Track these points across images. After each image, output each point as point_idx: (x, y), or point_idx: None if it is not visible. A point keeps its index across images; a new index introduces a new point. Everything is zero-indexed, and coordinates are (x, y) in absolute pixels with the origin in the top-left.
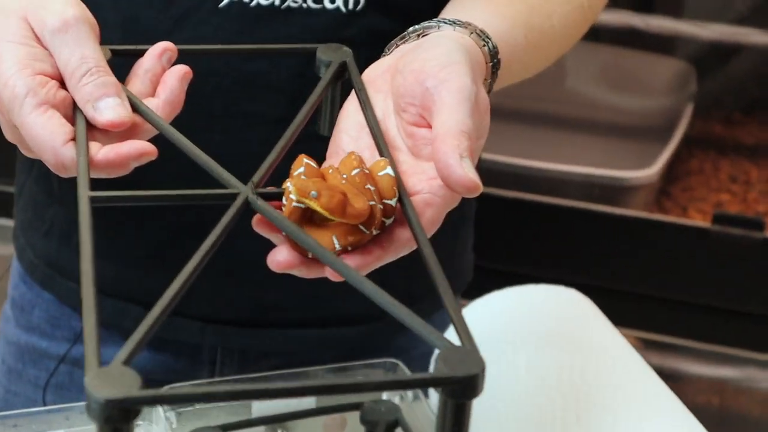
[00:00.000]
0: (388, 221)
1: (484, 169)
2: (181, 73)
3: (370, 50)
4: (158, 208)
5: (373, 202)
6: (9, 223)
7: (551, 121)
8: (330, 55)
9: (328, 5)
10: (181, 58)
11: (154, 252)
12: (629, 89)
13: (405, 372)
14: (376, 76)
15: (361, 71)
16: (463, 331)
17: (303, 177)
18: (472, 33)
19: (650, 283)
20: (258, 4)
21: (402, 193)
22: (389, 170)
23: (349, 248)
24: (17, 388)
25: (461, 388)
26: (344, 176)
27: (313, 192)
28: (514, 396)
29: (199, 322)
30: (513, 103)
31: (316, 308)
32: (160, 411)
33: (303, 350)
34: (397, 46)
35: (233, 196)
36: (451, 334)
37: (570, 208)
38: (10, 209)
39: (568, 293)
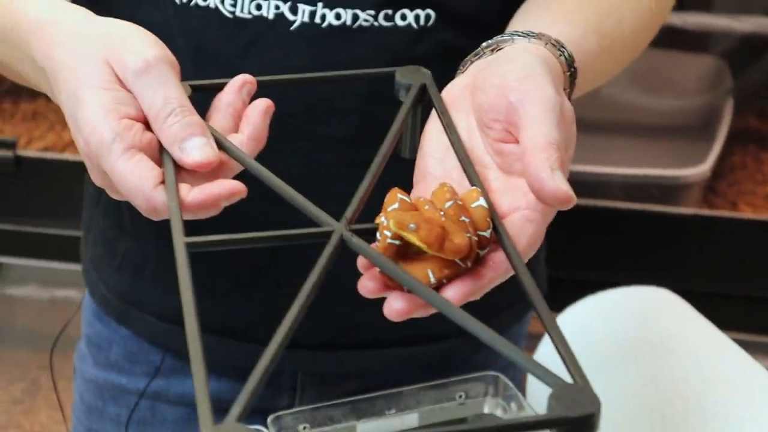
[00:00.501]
0: (482, 252)
1: None
2: (263, 107)
3: (442, 66)
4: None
5: (468, 235)
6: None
7: (588, 126)
8: (409, 78)
9: (399, 22)
10: (259, 88)
11: (238, 285)
12: (662, 90)
13: (507, 384)
14: (455, 95)
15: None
16: (575, 368)
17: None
18: (546, 44)
19: (723, 280)
20: (330, 25)
21: (497, 223)
22: (482, 201)
23: (444, 281)
24: (99, 427)
25: (577, 429)
26: (441, 212)
27: (411, 225)
28: (628, 403)
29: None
30: None
31: (396, 327)
32: None
33: (383, 370)
34: (472, 62)
35: (327, 234)
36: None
37: (630, 210)
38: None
39: (662, 293)
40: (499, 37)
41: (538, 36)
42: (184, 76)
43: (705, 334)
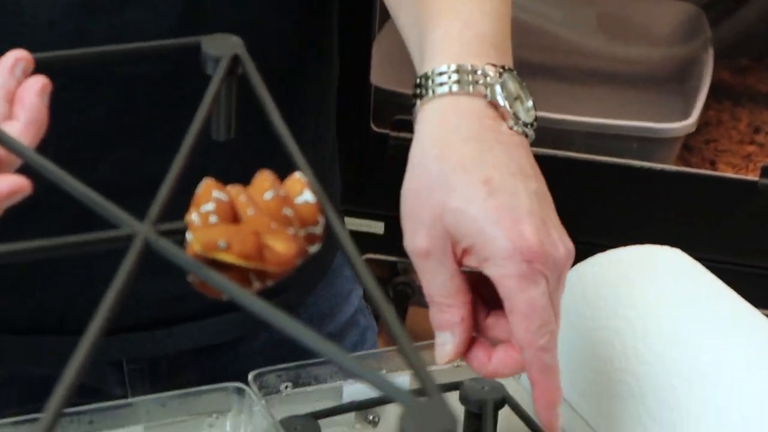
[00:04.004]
0: (313, 248)
1: None
2: (39, 86)
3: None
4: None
5: (293, 232)
6: None
7: (557, 74)
8: (218, 48)
9: None
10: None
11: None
12: (634, 38)
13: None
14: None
15: None
16: (428, 383)
17: (211, 216)
18: (474, 83)
19: (703, 244)
20: None
21: (331, 219)
22: (308, 195)
23: (269, 282)
24: None
25: None
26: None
27: (221, 243)
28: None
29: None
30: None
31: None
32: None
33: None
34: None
35: (128, 238)
36: None
37: (603, 164)
38: None
39: (673, 253)
40: (420, 82)
41: (459, 73)
42: None
43: (721, 295)
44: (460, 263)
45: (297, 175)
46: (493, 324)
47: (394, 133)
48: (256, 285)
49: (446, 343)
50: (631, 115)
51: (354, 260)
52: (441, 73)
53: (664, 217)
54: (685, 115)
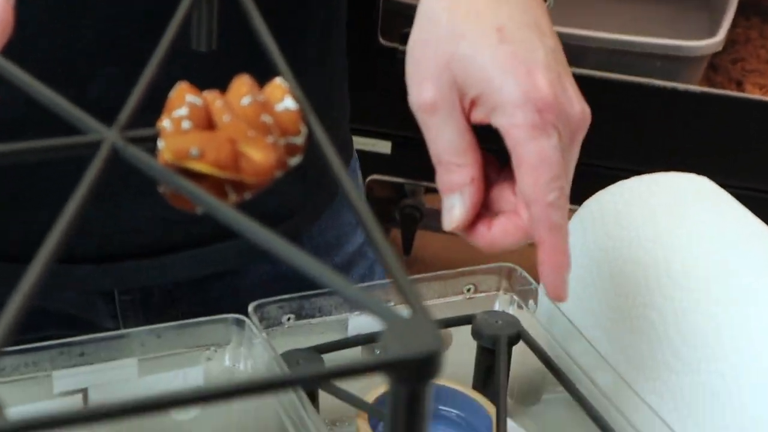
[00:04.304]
0: (293, 160)
1: None
2: None
3: None
4: None
5: (273, 140)
6: None
7: None
8: None
9: None
10: None
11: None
12: None
13: (525, 277)
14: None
15: None
16: (413, 297)
17: (184, 121)
18: None
19: (728, 169)
20: None
21: (314, 128)
22: (289, 102)
23: (247, 195)
24: None
25: (417, 372)
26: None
27: (193, 151)
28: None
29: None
30: None
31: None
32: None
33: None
34: None
35: (95, 145)
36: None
37: (628, 83)
38: None
39: (698, 180)
40: None
41: None
42: None
43: (748, 224)
44: (467, 119)
45: (278, 81)
46: (497, 196)
47: (403, 47)
48: (233, 197)
49: (454, 207)
50: (653, 32)
51: (340, 175)
52: None
53: (688, 140)
54: (712, 32)
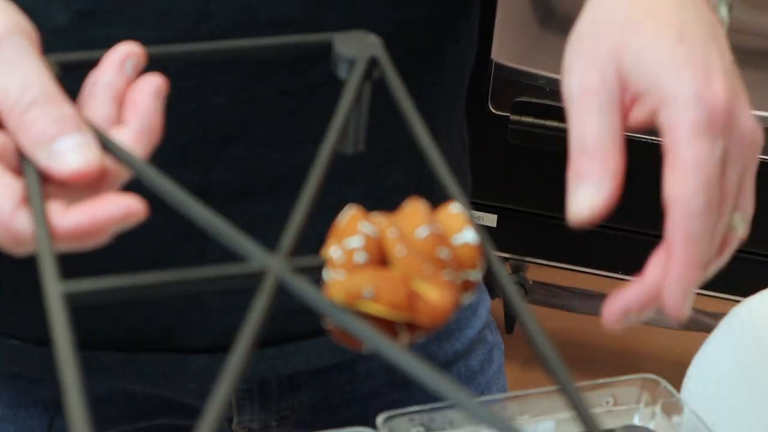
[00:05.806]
0: (467, 297)
1: None
2: (153, 87)
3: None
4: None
5: (450, 278)
6: None
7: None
8: (353, 48)
9: None
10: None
11: None
12: None
13: (669, 389)
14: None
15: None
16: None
17: (357, 253)
18: None
19: None
20: None
21: (493, 264)
22: (468, 235)
23: (420, 336)
24: None
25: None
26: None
27: (366, 291)
28: None
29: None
30: None
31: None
32: None
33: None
34: None
35: (259, 275)
36: None
37: None
38: None
39: None
40: None
41: None
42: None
43: None
44: (624, 114)
45: (455, 209)
46: None
47: (514, 117)
48: (405, 338)
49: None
50: None
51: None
52: None
53: None
54: None
